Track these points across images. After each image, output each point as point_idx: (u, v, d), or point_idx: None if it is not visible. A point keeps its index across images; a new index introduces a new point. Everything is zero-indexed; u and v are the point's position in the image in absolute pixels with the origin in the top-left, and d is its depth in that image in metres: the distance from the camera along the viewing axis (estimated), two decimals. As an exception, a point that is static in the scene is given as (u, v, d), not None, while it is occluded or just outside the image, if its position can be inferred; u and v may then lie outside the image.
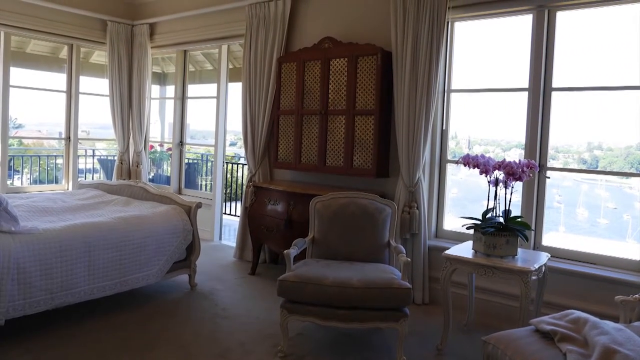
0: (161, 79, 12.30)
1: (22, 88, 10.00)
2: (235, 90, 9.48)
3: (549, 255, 5.34)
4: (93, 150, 14.31)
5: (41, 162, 13.11)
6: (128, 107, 10.89)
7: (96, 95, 11.10)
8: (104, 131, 12.54)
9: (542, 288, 5.31)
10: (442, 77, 6.74)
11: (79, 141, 10.89)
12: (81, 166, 12.79)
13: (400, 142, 6.67)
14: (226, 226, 10.66)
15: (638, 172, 6.16)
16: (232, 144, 16.44)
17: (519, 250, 5.13)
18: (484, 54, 6.97)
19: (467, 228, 5.33)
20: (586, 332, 3.42)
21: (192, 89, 10.80)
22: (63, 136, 10.71)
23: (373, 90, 6.81)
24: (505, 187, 5.12)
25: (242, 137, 8.73)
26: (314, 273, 4.96)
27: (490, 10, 6.38)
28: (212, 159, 10.31)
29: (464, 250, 5.29)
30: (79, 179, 10.60)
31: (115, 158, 11.26)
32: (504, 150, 7.30)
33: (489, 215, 5.23)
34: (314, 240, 5.87)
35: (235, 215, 12.18)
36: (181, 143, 10.73)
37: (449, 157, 6.94)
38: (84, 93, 10.74)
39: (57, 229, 5.41)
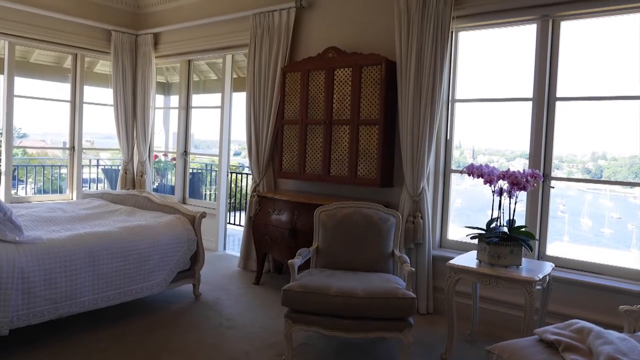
0: (165, 88, 12.32)
1: (26, 98, 10.03)
2: (240, 100, 9.50)
3: (553, 265, 5.35)
4: (97, 160, 14.34)
5: (45, 171, 13.13)
6: (132, 117, 10.90)
7: (100, 105, 11.10)
8: (108, 141, 12.57)
9: (547, 298, 5.30)
10: (447, 87, 6.75)
11: (83, 151, 10.90)
12: (85, 176, 12.84)
13: (404, 151, 6.67)
14: (230, 236, 10.65)
15: (642, 182, 6.16)
16: (237, 154, 16.48)
17: (523, 260, 5.12)
18: (488, 64, 6.98)
19: (472, 238, 5.32)
20: (590, 341, 3.42)
21: (197, 99, 10.83)
22: (67, 146, 10.72)
23: (377, 100, 6.83)
24: (510, 197, 5.12)
25: (246, 147, 8.74)
26: (318, 283, 4.96)
27: (495, 20, 6.40)
28: (217, 169, 10.30)
29: (468, 260, 5.29)
30: (83, 189, 10.64)
31: (120, 168, 11.25)
32: (508, 160, 7.30)
33: (493, 225, 5.23)
34: (318, 250, 5.87)
35: (239, 225, 12.20)
36: (185, 153, 10.74)
37: (453, 167, 6.94)
38: (88, 103, 10.74)
39: (62, 239, 5.42)
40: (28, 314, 4.95)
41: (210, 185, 13.68)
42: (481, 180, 5.22)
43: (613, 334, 3.48)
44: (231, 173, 11.93)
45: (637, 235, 6.74)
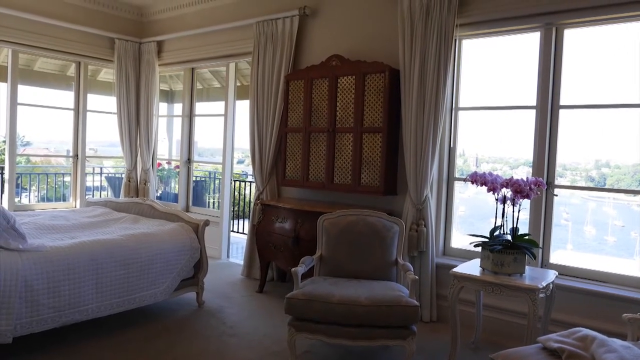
0: (169, 96, 12.34)
1: (30, 106, 10.03)
2: (243, 108, 9.51)
3: (557, 273, 5.34)
4: (101, 168, 14.36)
5: (49, 179, 13.15)
6: (136, 125, 10.92)
7: (104, 113, 11.12)
8: (111, 149, 12.58)
9: (550, 306, 5.30)
10: (450, 95, 6.75)
11: (87, 159, 10.90)
12: (89, 184, 12.85)
13: (407, 159, 6.67)
14: (234, 244, 10.65)
15: (646, 190, 6.16)
16: (240, 162, 16.46)
17: (527, 268, 5.12)
18: (491, 72, 6.98)
19: (475, 246, 5.33)
20: (594, 349, 3.41)
21: (200, 107, 10.83)
22: (71, 154, 10.74)
23: (381, 108, 6.83)
24: (513, 205, 5.12)
25: (249, 155, 8.74)
26: (322, 291, 4.96)
27: (498, 28, 6.40)
28: (220, 177, 10.32)
29: (472, 267, 5.29)
30: (87, 197, 10.63)
31: (123, 176, 11.27)
32: (511, 168, 7.30)
33: (497, 232, 5.23)
34: (322, 258, 5.87)
35: (242, 233, 12.18)
36: (189, 160, 10.75)
37: (457, 175, 6.94)
38: (91, 111, 10.76)
39: (65, 247, 5.42)
40: (31, 322, 4.95)
41: (214, 193, 13.69)
42: (484, 188, 5.23)
43: (616, 342, 3.47)
44: (235, 181, 11.93)
45: (641, 243, 6.75)
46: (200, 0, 9.72)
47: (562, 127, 6.09)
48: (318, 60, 7.65)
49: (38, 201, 12.49)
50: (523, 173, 6.70)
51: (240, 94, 9.97)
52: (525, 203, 5.26)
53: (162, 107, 11.83)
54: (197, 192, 13.04)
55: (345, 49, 7.50)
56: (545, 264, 6.17)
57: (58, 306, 5.14)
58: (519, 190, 5.00)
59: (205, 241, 6.91)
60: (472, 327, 5.95)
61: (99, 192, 13.96)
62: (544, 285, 4.79)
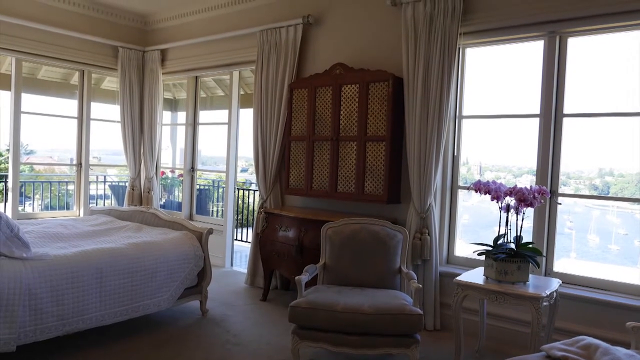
0: (172, 105, 12.34)
1: (33, 114, 10.04)
2: (247, 116, 9.51)
3: (560, 282, 5.34)
4: (104, 177, 14.37)
5: (52, 188, 13.14)
6: (139, 133, 10.92)
7: (107, 122, 11.12)
8: (115, 157, 12.58)
9: (554, 314, 5.29)
10: (454, 103, 6.75)
11: (90, 167, 10.91)
12: (92, 192, 12.86)
13: (411, 168, 6.67)
14: (237, 252, 10.65)
15: (650, 198, 6.14)
16: (244, 170, 16.48)
17: (530, 276, 5.12)
18: (495, 80, 6.98)
19: (479, 254, 5.32)
20: (597, 358, 3.41)
21: (204, 115, 10.85)
22: (74, 162, 10.73)
23: (384, 116, 6.83)
24: (517, 214, 5.12)
25: (253, 163, 8.75)
26: (325, 299, 4.96)
27: (502, 37, 6.41)
28: (224, 185, 10.31)
29: (475, 276, 5.29)
30: (90, 205, 10.63)
31: (127, 184, 11.27)
32: (515, 177, 7.29)
33: (500, 241, 5.23)
34: (325, 267, 5.87)
35: (246, 242, 12.20)
36: (192, 169, 10.75)
37: (460, 183, 6.94)
38: (95, 119, 10.76)
39: (69, 255, 5.42)
40: (35, 330, 4.95)
41: (218, 201, 13.68)
42: (488, 196, 5.23)
43: (620, 351, 3.47)
44: (238, 189, 11.93)
45: (645, 252, 6.73)
46: (204, 9, 9.75)
47: (566, 135, 6.09)
48: (322, 69, 7.66)
49: (42, 209, 12.47)
50: (527, 181, 6.70)
51: (244, 103, 9.98)
52: (529, 211, 5.27)
53: (166, 116, 11.85)
54: (201, 200, 13.05)
55: (349, 57, 7.52)
56: (549, 273, 6.16)
57: (62, 314, 5.14)
58: (523, 198, 5.00)
59: (209, 250, 6.91)
60: (475, 336, 5.95)
61: (102, 201, 13.98)
62: (548, 293, 4.79)
